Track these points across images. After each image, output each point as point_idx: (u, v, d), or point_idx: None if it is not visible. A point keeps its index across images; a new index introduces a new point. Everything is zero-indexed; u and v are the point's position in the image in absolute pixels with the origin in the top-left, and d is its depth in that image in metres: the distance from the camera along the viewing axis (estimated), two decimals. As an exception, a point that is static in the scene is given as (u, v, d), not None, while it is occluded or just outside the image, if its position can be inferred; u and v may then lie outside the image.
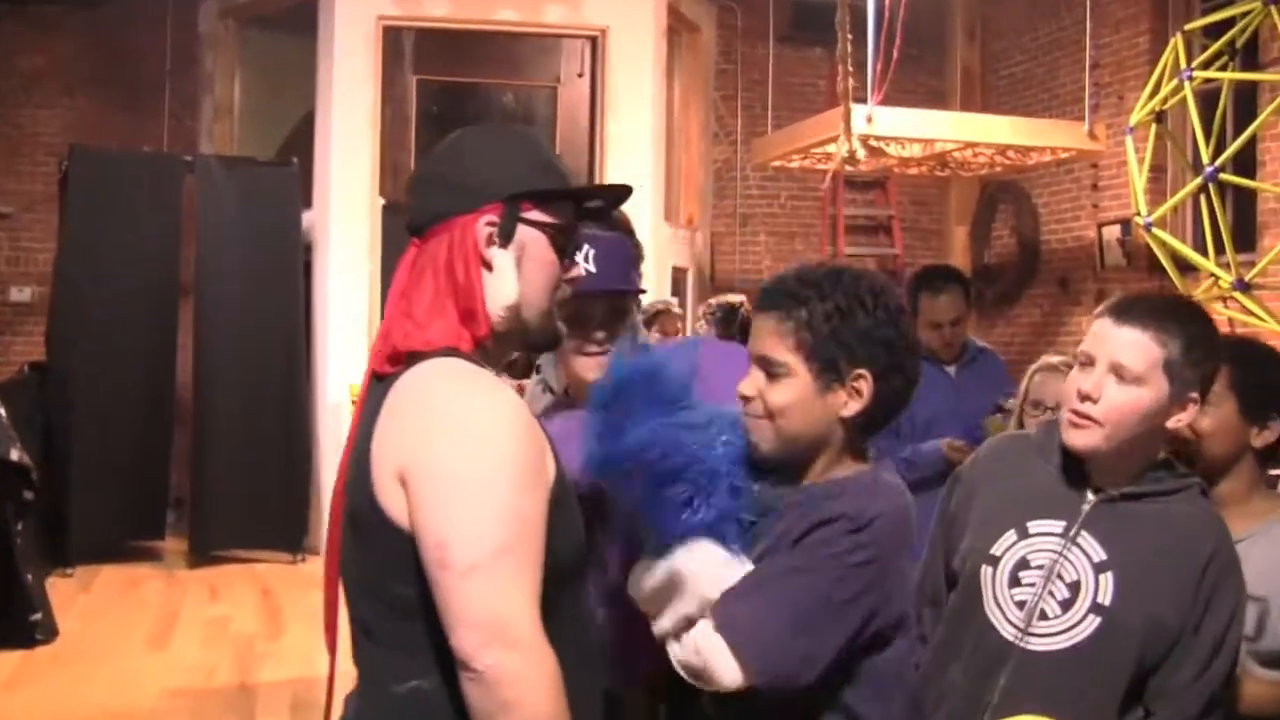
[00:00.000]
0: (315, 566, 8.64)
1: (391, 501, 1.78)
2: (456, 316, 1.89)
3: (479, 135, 2.01)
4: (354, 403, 9.29)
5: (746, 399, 2.15)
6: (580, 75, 9.77)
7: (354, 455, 1.86)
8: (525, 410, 1.84)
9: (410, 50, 9.70)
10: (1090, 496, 2.33)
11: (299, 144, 9.97)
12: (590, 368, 2.59)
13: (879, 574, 2.06)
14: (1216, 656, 2.25)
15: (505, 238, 1.91)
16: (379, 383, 1.89)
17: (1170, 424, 2.31)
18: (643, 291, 2.80)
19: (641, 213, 9.21)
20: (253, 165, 9.71)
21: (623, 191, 2.12)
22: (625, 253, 2.68)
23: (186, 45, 10.77)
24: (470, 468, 1.73)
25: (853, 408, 2.12)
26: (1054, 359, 3.99)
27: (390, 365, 1.88)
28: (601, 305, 2.61)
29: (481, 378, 1.84)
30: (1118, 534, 2.30)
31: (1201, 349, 2.28)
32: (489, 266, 1.91)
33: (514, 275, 1.92)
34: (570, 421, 2.44)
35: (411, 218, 1.98)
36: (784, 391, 2.12)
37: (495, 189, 1.92)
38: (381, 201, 9.32)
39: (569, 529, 1.87)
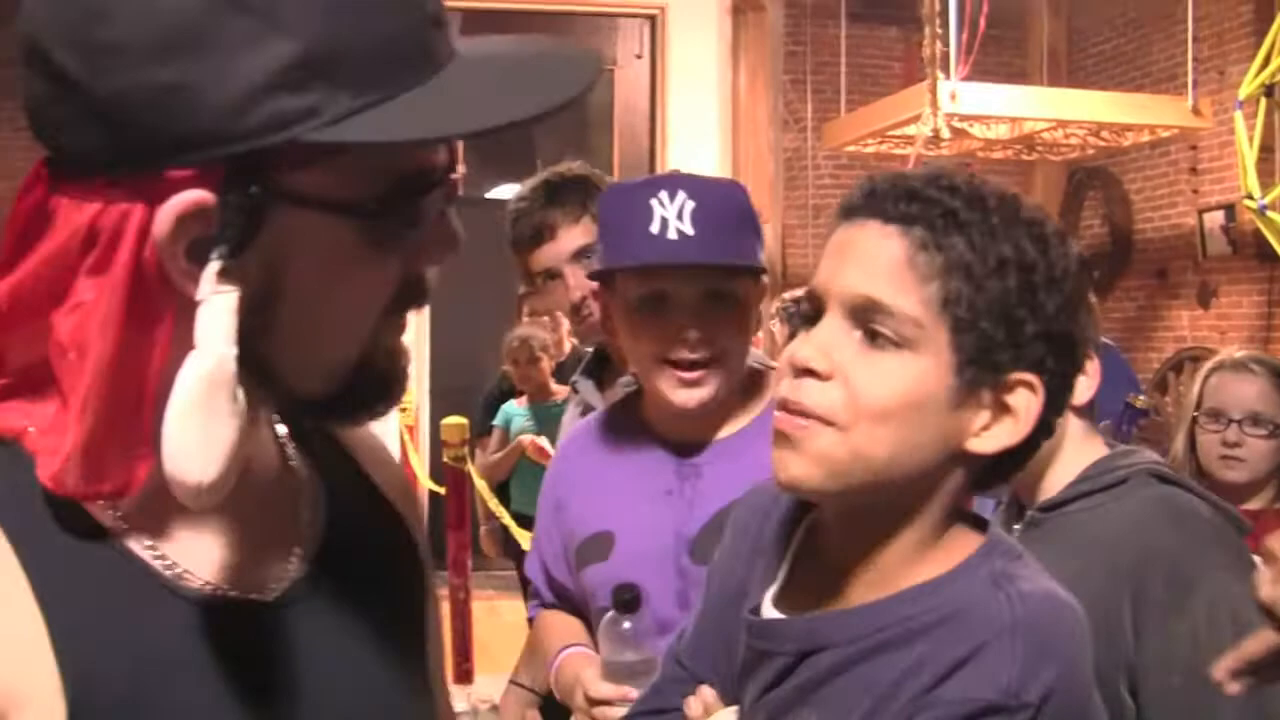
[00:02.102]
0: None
1: None
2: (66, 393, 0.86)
3: None
4: (404, 409, 8.88)
5: (811, 373, 1.17)
6: (639, 57, 9.36)
7: None
8: None
9: (456, 32, 9.28)
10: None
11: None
12: (675, 387, 1.95)
13: None
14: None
15: (231, 242, 0.84)
16: None
17: None
18: (762, 271, 2.04)
19: (707, 205, 8.78)
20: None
21: (569, 88, 0.92)
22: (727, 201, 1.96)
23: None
24: None
25: (995, 440, 1.20)
26: (1237, 353, 3.30)
27: None
28: (689, 287, 1.91)
29: None
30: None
31: None
32: (186, 310, 0.85)
33: (227, 327, 0.84)
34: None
35: (33, 128, 0.88)
36: (899, 375, 1.16)
37: (203, 129, 0.82)
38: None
39: None
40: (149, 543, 0.90)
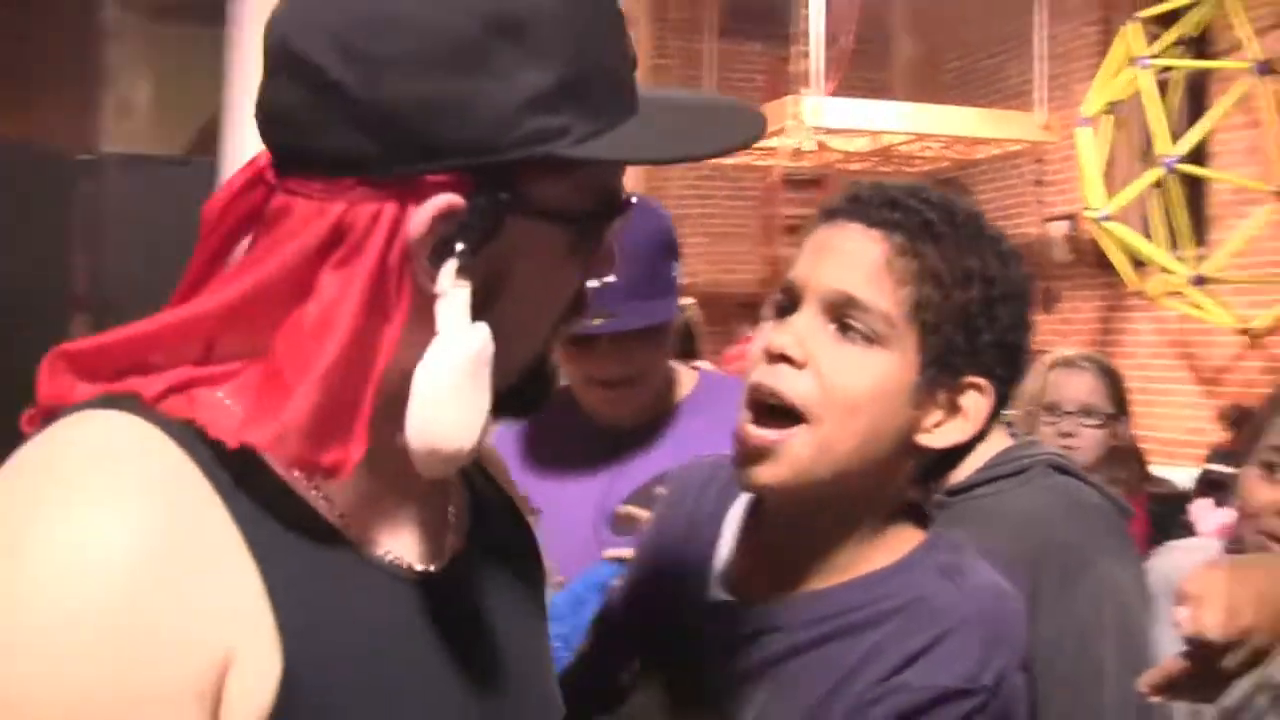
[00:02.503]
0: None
1: None
2: (315, 397, 0.90)
3: None
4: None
5: (786, 360, 1.25)
6: None
7: None
8: (181, 551, 0.84)
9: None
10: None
11: (210, 143, 9.52)
12: (600, 403, 2.14)
13: None
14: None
15: (473, 242, 0.92)
16: None
17: None
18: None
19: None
20: (159, 164, 9.09)
21: (749, 130, 1.04)
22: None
23: (85, 37, 10.26)
24: None
25: (945, 436, 1.30)
26: (1069, 351, 3.60)
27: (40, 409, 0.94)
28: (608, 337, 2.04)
29: (99, 486, 0.85)
30: None
31: None
32: (417, 302, 0.93)
33: (457, 336, 0.93)
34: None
35: (267, 131, 0.96)
36: (870, 368, 1.25)
37: (466, 139, 0.90)
38: (298, 202, 8.92)
39: None
40: (340, 513, 0.96)
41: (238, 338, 0.93)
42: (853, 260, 1.27)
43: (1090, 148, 8.20)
